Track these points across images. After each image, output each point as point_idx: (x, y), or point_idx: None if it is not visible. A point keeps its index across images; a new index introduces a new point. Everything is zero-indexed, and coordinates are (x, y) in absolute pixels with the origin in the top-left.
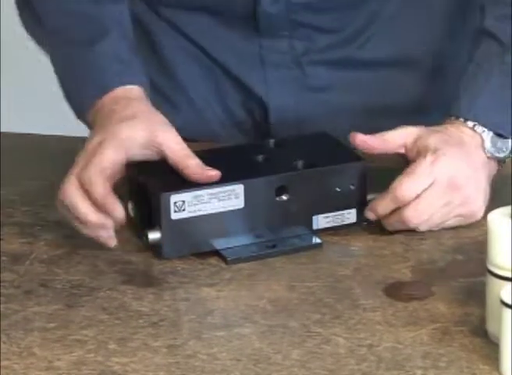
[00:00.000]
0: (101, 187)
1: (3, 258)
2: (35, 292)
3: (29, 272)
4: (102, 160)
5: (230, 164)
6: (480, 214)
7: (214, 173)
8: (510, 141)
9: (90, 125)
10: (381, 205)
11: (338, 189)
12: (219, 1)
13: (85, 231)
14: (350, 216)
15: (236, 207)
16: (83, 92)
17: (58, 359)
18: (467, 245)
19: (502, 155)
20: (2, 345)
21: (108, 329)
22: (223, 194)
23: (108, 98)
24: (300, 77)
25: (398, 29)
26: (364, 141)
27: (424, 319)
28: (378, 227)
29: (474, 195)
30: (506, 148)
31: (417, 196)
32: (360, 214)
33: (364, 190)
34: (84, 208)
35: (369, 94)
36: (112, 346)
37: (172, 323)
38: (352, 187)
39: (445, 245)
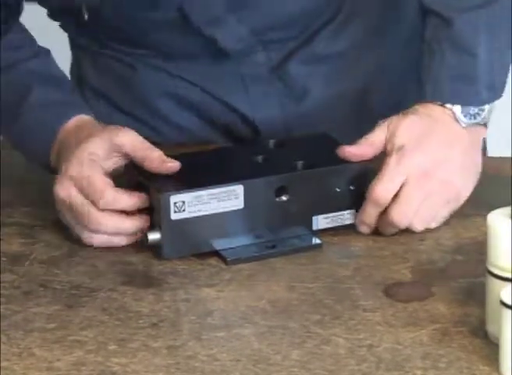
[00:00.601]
0: (109, 193)
1: (3, 258)
2: (35, 293)
3: (28, 272)
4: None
5: (230, 164)
6: (465, 192)
7: (173, 165)
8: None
9: (56, 166)
10: (366, 214)
11: (338, 189)
12: (184, 53)
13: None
14: (349, 216)
15: (236, 207)
16: (37, 144)
17: (58, 360)
18: (467, 246)
19: (480, 118)
20: (2, 346)
21: (107, 329)
22: (223, 195)
23: (62, 135)
24: (281, 87)
25: (358, 18)
26: (351, 152)
27: (423, 319)
28: (377, 227)
29: (450, 176)
30: (482, 111)
31: (396, 196)
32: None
33: (364, 190)
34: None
35: (351, 83)
36: (111, 347)
37: (172, 323)
38: (352, 188)
39: (444, 246)
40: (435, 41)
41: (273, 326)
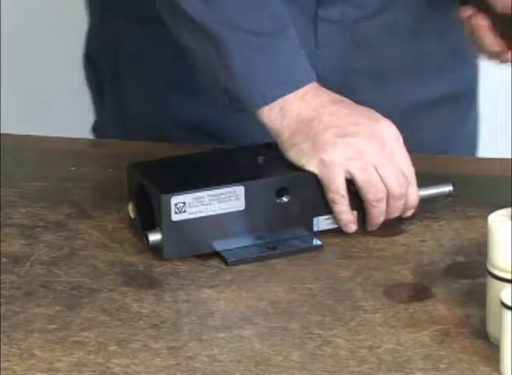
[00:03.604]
0: None
1: (3, 259)
2: (35, 294)
3: (29, 273)
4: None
5: (231, 166)
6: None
7: None
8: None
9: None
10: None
11: None
12: None
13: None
14: None
15: (237, 208)
16: (267, 85)
17: (59, 361)
18: (468, 247)
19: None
20: (3, 347)
21: (108, 330)
22: (224, 196)
23: (298, 96)
24: (350, 46)
25: None
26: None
27: (424, 320)
28: (378, 229)
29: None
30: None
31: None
32: (360, 215)
33: None
34: None
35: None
36: (112, 348)
37: (173, 324)
38: (352, 188)
39: (445, 247)
40: None
41: (274, 327)
